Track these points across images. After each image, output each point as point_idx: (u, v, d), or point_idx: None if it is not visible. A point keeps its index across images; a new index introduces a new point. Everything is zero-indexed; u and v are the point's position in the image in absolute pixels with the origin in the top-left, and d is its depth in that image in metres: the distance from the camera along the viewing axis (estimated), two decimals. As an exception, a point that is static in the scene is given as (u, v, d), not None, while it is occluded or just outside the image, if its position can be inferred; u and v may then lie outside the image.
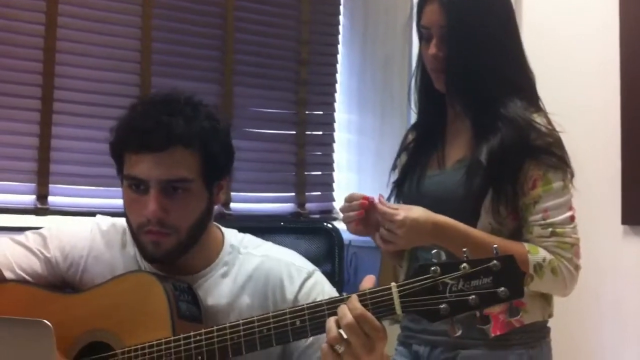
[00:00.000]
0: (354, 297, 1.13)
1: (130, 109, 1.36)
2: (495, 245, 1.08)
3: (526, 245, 1.50)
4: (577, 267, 1.51)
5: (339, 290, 1.43)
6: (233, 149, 1.40)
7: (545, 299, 1.59)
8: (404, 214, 1.49)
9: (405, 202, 1.69)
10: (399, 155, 1.77)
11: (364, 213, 1.54)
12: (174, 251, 1.34)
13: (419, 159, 1.69)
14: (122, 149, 1.34)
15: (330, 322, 1.12)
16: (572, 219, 1.53)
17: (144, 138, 1.29)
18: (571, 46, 2.57)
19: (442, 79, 1.60)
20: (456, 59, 1.56)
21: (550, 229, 1.50)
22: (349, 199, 1.57)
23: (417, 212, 1.50)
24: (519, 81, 1.60)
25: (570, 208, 1.54)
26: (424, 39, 1.62)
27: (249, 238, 1.46)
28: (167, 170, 1.30)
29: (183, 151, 1.30)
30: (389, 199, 1.72)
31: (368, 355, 1.10)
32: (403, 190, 1.69)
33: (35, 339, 1.00)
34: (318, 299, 1.33)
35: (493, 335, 1.52)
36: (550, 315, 1.61)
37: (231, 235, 1.45)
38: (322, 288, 1.38)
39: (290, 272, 1.38)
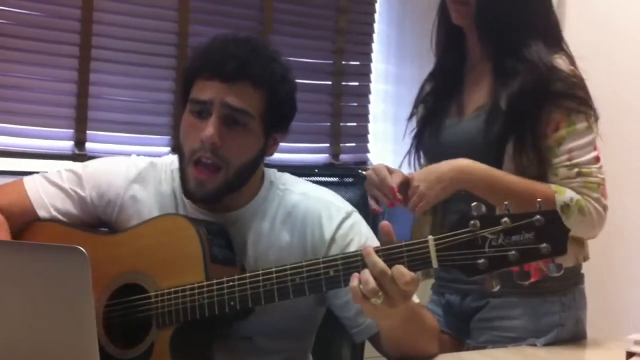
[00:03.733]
0: (372, 252, 1.13)
1: (210, 41, 1.37)
2: (539, 200, 1.06)
3: (553, 186, 1.48)
4: (605, 207, 1.48)
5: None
6: (296, 105, 1.40)
7: (578, 243, 1.56)
8: (418, 171, 1.49)
9: (426, 154, 1.68)
10: (416, 106, 1.73)
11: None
12: (218, 192, 1.34)
13: (437, 108, 1.65)
14: (194, 75, 1.35)
15: (365, 274, 1.11)
16: (597, 159, 1.50)
17: (218, 65, 1.30)
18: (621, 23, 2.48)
19: (462, 11, 1.56)
20: None
21: (576, 170, 1.48)
22: (380, 181, 1.51)
23: (431, 165, 1.49)
24: (544, 24, 1.56)
25: (595, 148, 1.51)
26: None
27: (287, 176, 1.46)
28: (232, 98, 1.30)
29: (251, 88, 1.31)
30: (409, 151, 1.70)
31: (404, 303, 1.11)
32: (423, 141, 1.67)
33: (71, 266, 1.00)
34: (355, 240, 1.35)
35: (528, 283, 1.50)
36: (586, 258, 1.59)
37: (270, 172, 1.45)
38: (359, 229, 1.38)
39: (330, 211, 1.38)
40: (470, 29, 1.59)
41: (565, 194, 1.46)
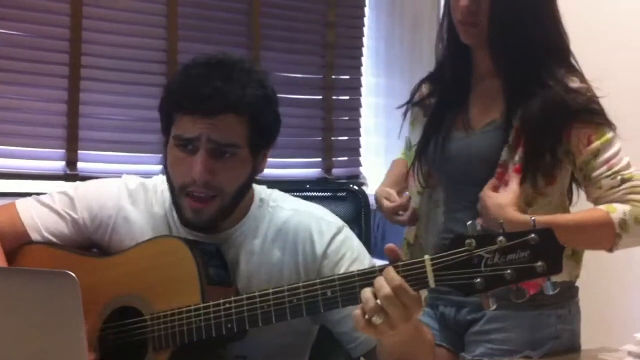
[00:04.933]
0: (391, 269, 1.11)
1: (184, 70, 1.36)
2: (533, 218, 1.06)
3: (602, 207, 1.48)
4: None
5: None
6: (280, 118, 1.40)
7: (574, 260, 1.57)
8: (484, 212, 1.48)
9: (430, 165, 1.67)
10: (410, 103, 1.73)
11: None
12: (215, 218, 1.34)
13: (441, 118, 1.65)
14: (174, 110, 1.34)
15: (367, 292, 1.10)
16: (630, 163, 1.51)
17: (199, 103, 1.29)
18: (612, 19, 2.50)
19: (471, 32, 1.56)
20: (503, 14, 1.51)
21: (619, 177, 1.48)
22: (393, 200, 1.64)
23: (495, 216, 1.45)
24: (556, 43, 1.57)
25: (623, 154, 1.52)
26: None
27: (277, 192, 1.47)
28: (218, 133, 1.30)
29: (235, 118, 1.31)
30: (413, 163, 1.69)
31: (404, 324, 1.10)
32: (427, 152, 1.66)
33: (61, 291, 1.00)
34: (347, 255, 1.35)
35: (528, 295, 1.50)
36: (577, 276, 1.60)
37: (260, 190, 1.45)
38: (351, 243, 1.38)
39: (320, 226, 1.38)
40: (479, 47, 1.59)
41: (617, 210, 1.45)
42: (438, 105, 1.67)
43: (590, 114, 1.50)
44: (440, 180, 1.66)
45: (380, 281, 1.10)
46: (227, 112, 1.30)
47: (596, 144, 1.50)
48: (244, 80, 1.32)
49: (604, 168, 1.49)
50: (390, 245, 1.13)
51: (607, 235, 1.45)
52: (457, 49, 1.62)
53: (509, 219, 1.41)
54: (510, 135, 1.53)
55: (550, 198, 1.55)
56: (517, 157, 1.51)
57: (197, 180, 1.30)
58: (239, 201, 1.37)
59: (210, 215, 1.33)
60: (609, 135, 1.51)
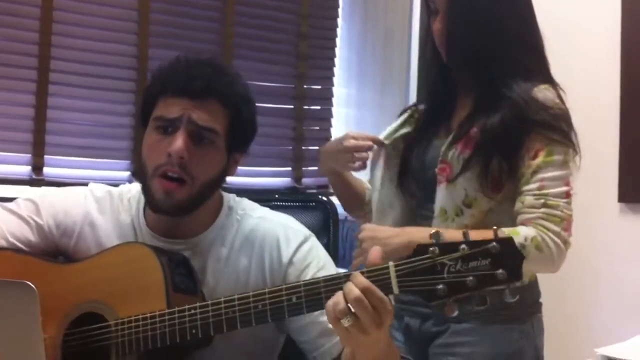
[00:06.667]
0: (358, 273, 1.12)
1: (173, 59, 1.39)
2: (494, 227, 1.07)
3: (505, 230, 1.46)
4: (565, 242, 1.46)
5: (334, 263, 1.44)
6: (257, 126, 1.42)
7: None
8: (364, 228, 1.56)
9: (412, 173, 1.68)
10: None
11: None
12: (183, 205, 1.34)
13: (427, 130, 1.68)
14: (160, 93, 1.35)
15: (339, 295, 1.11)
16: (567, 195, 1.49)
17: (186, 84, 1.32)
18: (572, 26, 2.56)
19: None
20: (455, 36, 1.55)
21: (542, 200, 1.47)
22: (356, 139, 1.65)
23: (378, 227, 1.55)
24: (527, 63, 1.56)
25: (568, 184, 1.50)
26: (432, 12, 1.61)
27: (246, 201, 1.47)
28: (199, 116, 1.32)
29: (218, 106, 1.34)
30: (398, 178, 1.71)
31: (377, 330, 1.10)
32: (411, 159, 1.67)
33: (19, 301, 0.99)
34: (313, 263, 1.36)
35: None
36: (533, 278, 1.61)
37: (229, 198, 1.45)
38: (317, 252, 1.39)
39: (287, 234, 1.39)
40: None
41: (519, 235, 1.44)
42: (425, 117, 1.70)
43: (548, 129, 1.49)
44: (419, 189, 1.67)
45: (349, 286, 1.10)
46: (212, 97, 1.32)
47: (538, 160, 1.49)
48: (232, 76, 1.37)
49: (535, 186, 1.48)
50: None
51: None
52: (441, 67, 1.65)
53: (411, 232, 1.50)
54: (452, 134, 1.56)
55: (497, 206, 1.54)
56: None
57: (174, 155, 1.30)
58: (207, 195, 1.37)
59: (179, 199, 1.32)
60: (557, 157, 1.49)
